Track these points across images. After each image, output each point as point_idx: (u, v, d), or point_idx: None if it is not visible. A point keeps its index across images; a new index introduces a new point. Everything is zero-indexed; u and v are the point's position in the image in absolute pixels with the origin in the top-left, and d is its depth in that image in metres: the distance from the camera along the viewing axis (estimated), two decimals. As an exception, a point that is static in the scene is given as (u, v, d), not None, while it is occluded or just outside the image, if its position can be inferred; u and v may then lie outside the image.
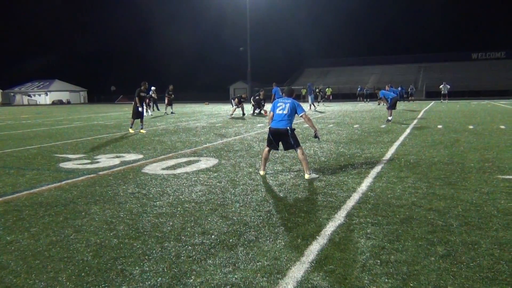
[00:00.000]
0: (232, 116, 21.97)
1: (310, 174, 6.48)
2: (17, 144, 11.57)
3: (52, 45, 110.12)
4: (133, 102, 14.84)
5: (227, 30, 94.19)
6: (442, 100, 38.08)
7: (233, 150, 9.47)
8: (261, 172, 6.84)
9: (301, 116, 6.57)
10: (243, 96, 23.27)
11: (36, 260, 3.53)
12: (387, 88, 24.58)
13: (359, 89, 48.88)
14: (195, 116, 23.61)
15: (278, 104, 6.64)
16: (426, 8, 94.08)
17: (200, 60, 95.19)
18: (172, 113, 26.07)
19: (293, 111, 6.52)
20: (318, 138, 7.00)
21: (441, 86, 38.92)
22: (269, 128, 6.64)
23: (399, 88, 37.42)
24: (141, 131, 14.21)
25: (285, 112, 6.48)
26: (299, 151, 6.48)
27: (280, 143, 6.60)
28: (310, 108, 27.37)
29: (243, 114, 22.34)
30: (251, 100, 24.38)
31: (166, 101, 26.28)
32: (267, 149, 6.78)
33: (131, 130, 14.43)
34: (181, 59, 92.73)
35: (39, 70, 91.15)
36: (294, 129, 6.61)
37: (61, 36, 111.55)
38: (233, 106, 22.94)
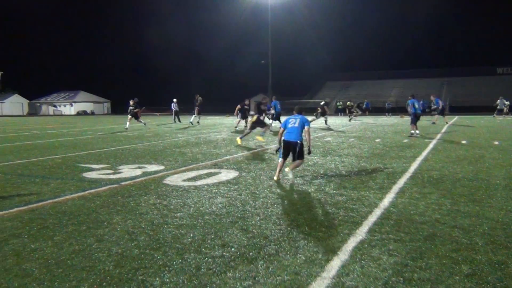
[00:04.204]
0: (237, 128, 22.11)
1: (290, 172, 7.22)
2: (42, 153, 11.83)
3: (77, 57, 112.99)
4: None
5: (249, 44, 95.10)
6: (495, 115, 36.04)
7: (253, 163, 9.48)
8: (275, 178, 7.34)
9: (306, 129, 7.32)
10: (246, 103, 22.82)
11: (59, 268, 3.58)
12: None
13: (365, 104, 47.94)
14: (216, 128, 23.78)
15: (290, 120, 7.48)
16: (450, 22, 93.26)
17: (221, 72, 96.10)
18: (198, 123, 26.56)
19: (302, 125, 7.35)
20: (309, 153, 7.55)
21: (497, 101, 36.96)
22: (283, 140, 7.34)
23: (421, 102, 36.56)
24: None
25: (296, 125, 7.33)
26: (299, 160, 7.28)
27: (290, 153, 7.32)
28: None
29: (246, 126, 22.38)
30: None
31: (196, 111, 26.69)
32: (282, 160, 7.39)
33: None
34: (202, 71, 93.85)
35: (65, 82, 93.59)
36: (303, 143, 7.27)
37: (86, 49, 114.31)
38: (238, 118, 22.86)
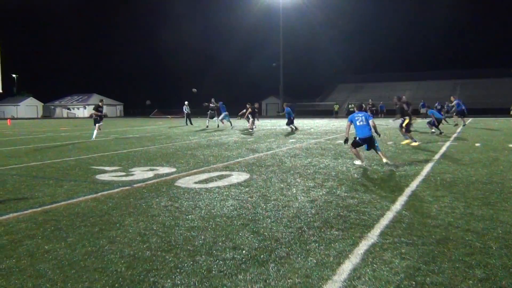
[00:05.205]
0: (252, 128, 23.12)
1: (387, 160, 9.21)
2: (56, 155, 11.98)
3: (91, 61, 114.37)
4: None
5: (261, 46, 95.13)
6: None
7: (264, 165, 9.49)
8: (359, 162, 9.22)
9: (371, 122, 9.08)
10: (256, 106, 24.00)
11: (72, 269, 3.62)
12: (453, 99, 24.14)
13: (380, 106, 47.26)
14: (227, 130, 23.82)
15: (356, 118, 9.14)
16: (463, 24, 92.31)
17: (233, 75, 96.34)
18: (218, 126, 26.73)
19: (368, 120, 9.05)
20: (379, 135, 9.62)
21: None
22: (360, 138, 9.03)
23: (436, 104, 35.87)
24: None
25: (364, 123, 9.00)
26: (380, 151, 9.25)
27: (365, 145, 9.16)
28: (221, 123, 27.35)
29: (251, 128, 23.20)
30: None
31: (209, 114, 27.28)
32: (356, 149, 9.23)
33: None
34: (214, 74, 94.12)
35: (79, 85, 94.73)
36: (371, 137, 9.01)
37: (100, 53, 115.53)
38: (250, 119, 23.66)
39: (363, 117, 9.08)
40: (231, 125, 26.67)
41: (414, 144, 13.50)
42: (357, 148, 9.28)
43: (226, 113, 26.47)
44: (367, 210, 5.44)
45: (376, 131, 9.25)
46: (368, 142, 9.03)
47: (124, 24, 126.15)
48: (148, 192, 6.71)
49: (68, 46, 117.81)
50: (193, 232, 4.61)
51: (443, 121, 19.94)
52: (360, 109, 9.43)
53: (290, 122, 22.35)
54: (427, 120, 18.92)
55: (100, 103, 19.00)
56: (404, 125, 13.99)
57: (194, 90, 23.45)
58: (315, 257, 3.83)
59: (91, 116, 18.38)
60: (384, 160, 9.15)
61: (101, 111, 18.71)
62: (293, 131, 21.84)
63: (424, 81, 67.12)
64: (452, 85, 64.66)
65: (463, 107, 24.09)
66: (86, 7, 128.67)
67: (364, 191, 6.65)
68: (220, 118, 26.49)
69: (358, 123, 9.04)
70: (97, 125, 18.27)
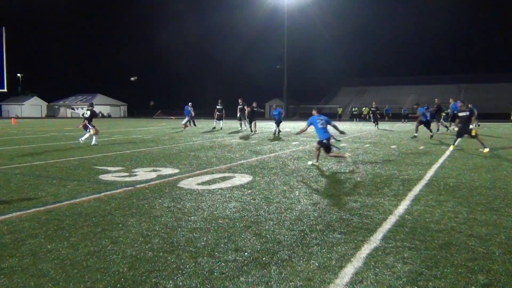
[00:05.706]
0: (253, 132, 22.62)
1: (349, 154, 10.56)
2: (60, 155, 12.01)
3: (95, 61, 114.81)
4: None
5: (264, 48, 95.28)
6: None
7: (267, 168, 9.48)
8: (314, 162, 9.81)
9: (331, 125, 9.80)
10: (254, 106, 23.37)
11: (74, 269, 3.63)
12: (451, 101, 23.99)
13: (385, 110, 46.54)
14: (231, 132, 23.82)
15: (317, 120, 9.53)
16: (469, 28, 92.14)
17: (237, 76, 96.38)
18: (221, 128, 26.62)
19: (327, 123, 9.64)
20: (336, 140, 10.91)
21: None
22: (325, 139, 9.42)
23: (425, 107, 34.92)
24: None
25: (324, 126, 9.51)
26: (330, 153, 9.66)
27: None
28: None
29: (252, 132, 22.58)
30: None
31: (215, 116, 27.24)
32: (318, 146, 9.70)
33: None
34: (218, 76, 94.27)
35: (83, 85, 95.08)
36: (330, 138, 9.53)
37: (104, 53, 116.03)
38: (247, 123, 23.41)
39: (324, 121, 9.59)
40: (184, 128, 26.54)
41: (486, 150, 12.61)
42: (319, 148, 9.74)
43: (193, 115, 26.67)
44: (370, 214, 5.43)
45: (339, 130, 10.22)
46: (324, 144, 9.48)
47: (129, 25, 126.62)
48: (151, 193, 6.72)
49: (72, 46, 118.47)
50: (196, 234, 4.62)
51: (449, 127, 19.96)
52: (321, 112, 9.94)
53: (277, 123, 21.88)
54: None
55: (90, 107, 16.34)
56: (474, 132, 12.96)
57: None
58: (317, 260, 3.83)
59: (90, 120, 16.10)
60: (347, 154, 10.41)
61: (90, 116, 15.96)
62: (275, 133, 21.47)
63: (428, 85, 66.93)
64: (457, 90, 64.50)
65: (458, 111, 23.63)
66: (90, 7, 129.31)
67: (367, 194, 6.64)
68: (183, 122, 26.37)
69: (319, 126, 9.48)
70: (90, 131, 15.50)
